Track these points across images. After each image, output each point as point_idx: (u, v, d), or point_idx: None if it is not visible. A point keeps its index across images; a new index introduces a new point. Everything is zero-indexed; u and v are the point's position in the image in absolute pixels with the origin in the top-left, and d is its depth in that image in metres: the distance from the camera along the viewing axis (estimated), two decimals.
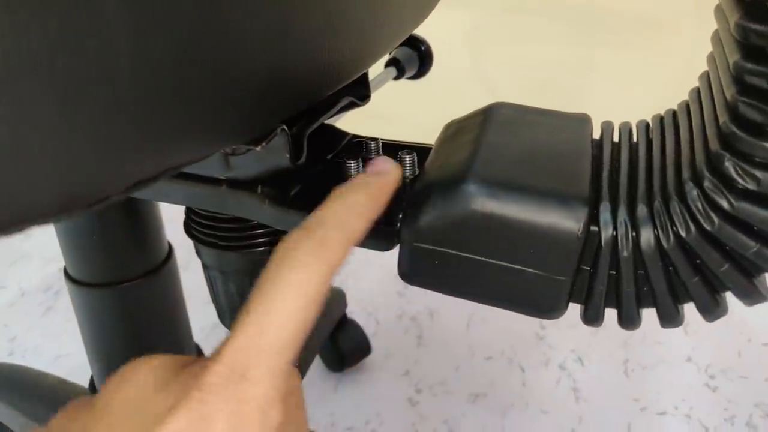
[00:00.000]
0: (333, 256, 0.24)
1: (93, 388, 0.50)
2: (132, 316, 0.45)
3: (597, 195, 0.28)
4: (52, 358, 0.96)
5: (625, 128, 0.34)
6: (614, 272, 0.27)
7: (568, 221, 0.27)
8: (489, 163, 0.29)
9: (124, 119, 0.17)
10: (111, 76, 0.16)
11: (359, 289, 1.04)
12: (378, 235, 0.31)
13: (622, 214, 0.27)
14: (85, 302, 0.45)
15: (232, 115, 0.22)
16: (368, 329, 0.93)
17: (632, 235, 0.26)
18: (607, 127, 0.34)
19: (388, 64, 0.55)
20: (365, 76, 0.37)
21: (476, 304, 0.30)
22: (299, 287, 0.22)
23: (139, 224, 0.44)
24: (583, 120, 0.34)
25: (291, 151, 0.30)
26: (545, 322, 0.97)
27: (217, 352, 0.22)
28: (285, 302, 0.22)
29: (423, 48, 0.57)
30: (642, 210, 0.26)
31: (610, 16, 1.06)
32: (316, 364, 0.90)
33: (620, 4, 1.05)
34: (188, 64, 0.19)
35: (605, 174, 0.29)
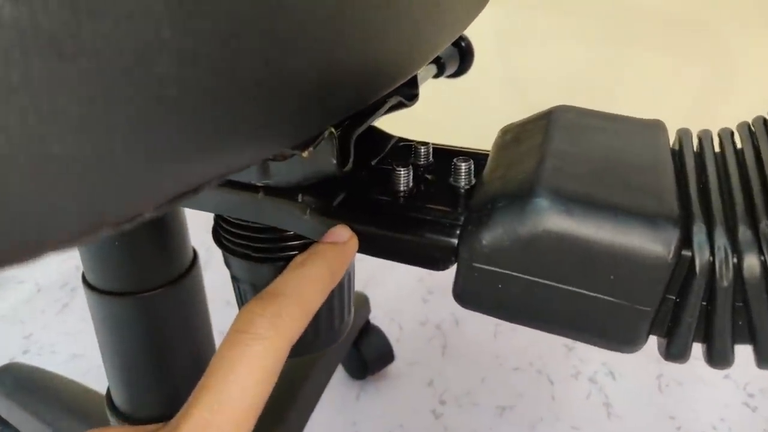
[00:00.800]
0: (289, 329, 0.24)
1: (110, 401, 0.48)
2: (154, 326, 0.43)
3: (687, 214, 0.24)
4: (67, 356, 0.94)
5: (707, 136, 0.30)
6: (705, 303, 0.24)
7: (656, 244, 0.23)
8: (560, 174, 0.26)
9: (164, 117, 0.14)
10: (149, 59, 0.13)
11: (382, 293, 1.01)
12: (433, 253, 0.27)
13: (720, 237, 0.23)
14: (104, 311, 0.42)
15: (284, 116, 0.19)
16: (391, 335, 0.90)
17: (733, 262, 0.23)
18: (685, 134, 0.30)
19: None
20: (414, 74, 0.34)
21: None
22: (256, 361, 0.23)
23: (163, 230, 0.41)
24: (657, 126, 0.31)
25: (338, 156, 0.27)
26: None
27: (175, 426, 0.22)
28: (241, 376, 0.22)
29: (464, 44, 0.54)
30: (745, 232, 0.23)
31: (643, 14, 1.02)
32: (338, 371, 0.87)
33: (655, 3, 1.01)
34: (237, 51, 0.15)
35: (693, 189, 0.26)
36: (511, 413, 0.83)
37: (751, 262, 0.22)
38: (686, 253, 0.23)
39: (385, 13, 0.23)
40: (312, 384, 0.69)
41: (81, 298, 1.06)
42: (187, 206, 0.33)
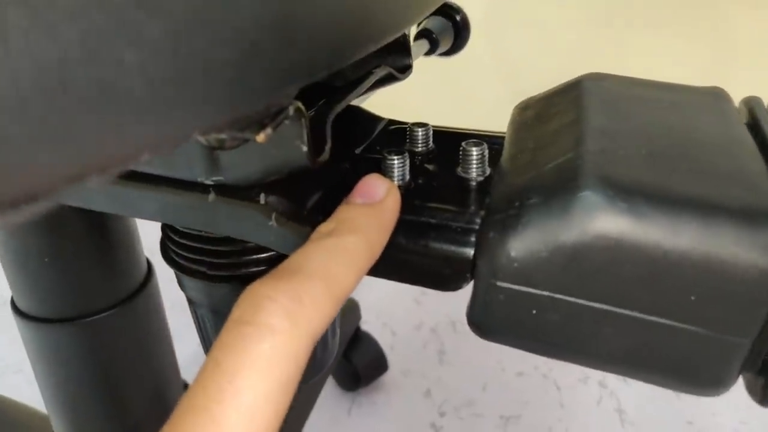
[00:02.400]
0: (313, 321, 0.17)
1: None
2: (102, 356, 0.36)
3: None
4: (33, 375, 0.86)
5: None
6: None
7: (755, 251, 0.17)
8: (610, 158, 0.19)
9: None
10: None
11: (372, 296, 0.94)
12: (441, 269, 0.21)
13: None
14: (40, 341, 0.35)
15: (213, 71, 0.12)
16: (383, 342, 0.83)
17: None
18: (757, 104, 0.24)
19: (418, 37, 0.45)
20: (405, 39, 0.27)
21: None
22: (265, 367, 0.16)
23: (108, 240, 0.34)
24: (719, 95, 0.24)
25: (309, 142, 0.20)
26: None
27: None
28: (248, 388, 0.16)
29: (458, 17, 0.47)
30: None
31: None
32: (328, 384, 0.81)
33: None
34: None
35: None
36: (517, 423, 0.76)
37: None
38: None
39: None
40: (299, 402, 0.63)
41: None
42: (124, 213, 0.26)
